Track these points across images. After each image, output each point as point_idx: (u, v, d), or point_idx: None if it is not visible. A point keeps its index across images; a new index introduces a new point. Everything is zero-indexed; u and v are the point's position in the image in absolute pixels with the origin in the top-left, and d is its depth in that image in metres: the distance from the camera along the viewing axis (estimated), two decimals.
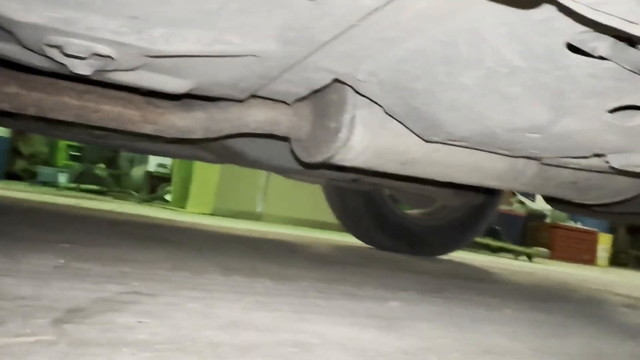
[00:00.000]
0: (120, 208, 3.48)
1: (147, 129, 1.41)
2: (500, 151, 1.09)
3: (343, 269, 1.74)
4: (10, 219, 1.74)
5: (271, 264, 1.53)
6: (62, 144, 7.14)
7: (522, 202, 7.59)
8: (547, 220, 7.73)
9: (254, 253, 1.80)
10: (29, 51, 0.94)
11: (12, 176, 6.41)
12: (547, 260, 5.85)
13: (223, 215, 4.85)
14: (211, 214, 4.90)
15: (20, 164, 6.61)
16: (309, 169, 1.98)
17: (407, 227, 2.92)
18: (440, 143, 1.16)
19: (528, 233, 7.33)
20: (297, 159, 1.48)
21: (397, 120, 1.11)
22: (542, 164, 1.32)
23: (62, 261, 1.04)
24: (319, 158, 1.30)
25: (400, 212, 3.00)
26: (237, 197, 5.13)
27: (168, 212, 4.27)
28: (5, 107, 1.31)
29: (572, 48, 0.65)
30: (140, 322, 0.69)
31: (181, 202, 5.33)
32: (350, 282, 1.42)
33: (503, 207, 6.80)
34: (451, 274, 2.17)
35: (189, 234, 2.24)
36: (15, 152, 6.55)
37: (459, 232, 2.91)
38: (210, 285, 1.05)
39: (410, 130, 1.12)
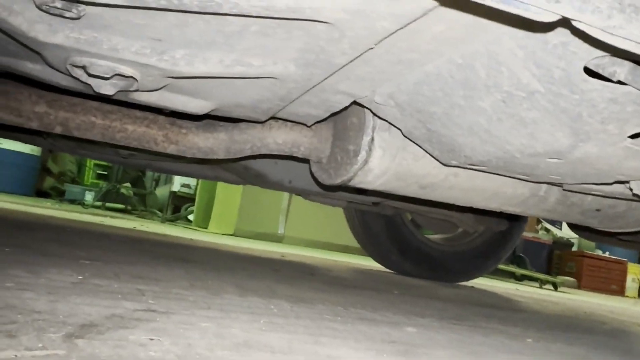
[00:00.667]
0: (143, 227, 3.52)
1: (170, 149, 1.44)
2: (521, 176, 1.07)
3: (361, 292, 1.72)
4: (36, 235, 1.78)
5: (289, 286, 1.53)
6: (90, 163, 7.28)
7: (547, 230, 7.45)
8: (574, 249, 7.56)
9: (273, 274, 1.80)
10: (55, 71, 0.97)
11: (41, 193, 6.55)
12: (573, 290, 5.70)
13: (244, 237, 4.87)
14: (233, 235, 4.91)
15: (49, 182, 6.76)
16: (329, 191, 1.99)
17: (429, 252, 2.89)
18: (460, 167, 1.15)
19: (554, 261, 7.18)
20: (316, 181, 1.48)
21: (416, 144, 1.11)
22: (565, 190, 1.30)
23: (81, 277, 1.05)
24: (338, 180, 1.30)
25: (422, 236, 2.97)
26: (258, 218, 5.14)
27: (190, 231, 4.30)
28: (34, 125, 1.34)
29: (591, 72, 0.64)
30: (152, 339, 0.69)
31: (204, 222, 5.37)
32: (368, 306, 1.40)
33: (528, 234, 6.68)
34: (472, 301, 2.13)
35: (208, 253, 2.25)
36: (45, 170, 6.70)
37: (481, 259, 2.86)
38: (226, 305, 1.05)
39: (430, 154, 1.12)
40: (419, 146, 1.11)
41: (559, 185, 1.21)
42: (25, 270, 1.02)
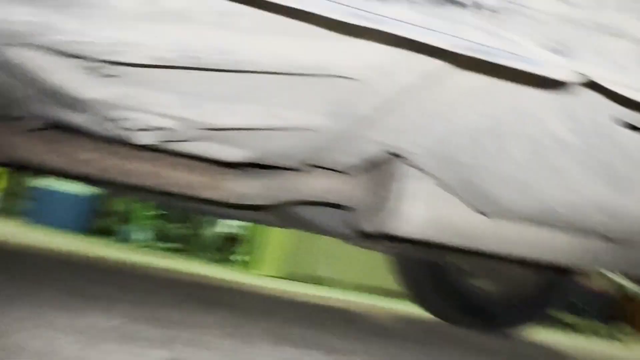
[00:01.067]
0: (191, 268, 3.57)
1: (212, 195, 1.47)
2: (566, 228, 1.03)
3: (402, 344, 1.67)
4: (81, 276, 1.83)
5: (326, 334, 1.50)
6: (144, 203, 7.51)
7: (607, 277, 7.08)
8: (637, 298, 7.12)
9: (311, 321, 1.78)
10: (99, 123, 1.02)
11: (97, 232, 6.79)
12: (637, 342, 5.35)
13: (291, 279, 4.86)
14: (279, 277, 4.92)
15: (104, 221, 7.01)
16: (367, 238, 1.97)
17: (475, 299, 2.79)
18: (501, 218, 1.12)
19: (615, 311, 6.77)
20: (354, 227, 1.48)
21: (452, 193, 1.09)
22: (616, 242, 1.24)
23: (117, 321, 1.07)
24: (374, 228, 1.29)
25: (468, 283, 2.87)
26: (304, 260, 5.14)
27: (237, 273, 4.33)
28: (86, 171, 1.41)
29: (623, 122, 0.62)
30: None
31: (252, 263, 5.41)
32: None
33: (585, 282, 6.36)
34: (522, 355, 2.03)
35: (249, 297, 2.25)
36: (103, 210, 6.96)
37: (531, 308, 2.74)
38: (257, 355, 1.04)
39: (464, 203, 1.10)
40: (455, 196, 1.09)
41: (608, 237, 1.16)
42: (63, 310, 1.04)
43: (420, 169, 1.07)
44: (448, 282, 2.81)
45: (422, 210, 1.18)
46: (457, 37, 0.42)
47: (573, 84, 0.55)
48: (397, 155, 1.12)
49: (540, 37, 0.42)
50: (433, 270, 2.83)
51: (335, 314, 2.28)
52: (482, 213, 1.07)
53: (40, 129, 1.26)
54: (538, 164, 0.78)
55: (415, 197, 1.16)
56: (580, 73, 0.45)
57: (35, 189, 6.37)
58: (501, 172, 0.86)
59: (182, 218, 7.22)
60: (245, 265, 5.57)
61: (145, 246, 6.01)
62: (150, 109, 0.82)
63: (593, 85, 0.50)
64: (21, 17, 0.57)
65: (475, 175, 0.92)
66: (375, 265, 4.93)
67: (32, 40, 0.61)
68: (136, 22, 0.56)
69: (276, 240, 5.19)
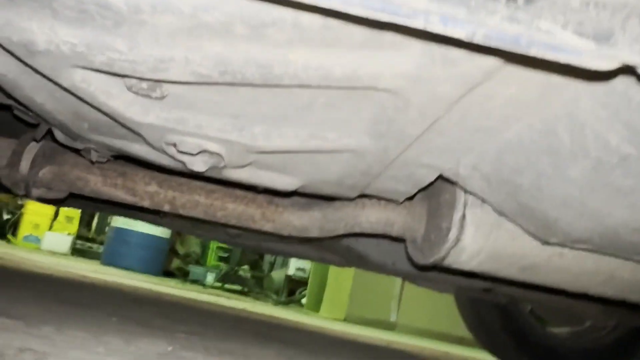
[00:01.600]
0: (254, 308, 3.58)
1: (267, 227, 1.48)
2: (632, 255, 0.95)
3: None
4: (144, 308, 1.87)
5: None
6: (213, 245, 7.70)
7: None
8: None
9: None
10: (157, 151, 1.05)
11: (168, 273, 7.00)
12: None
13: (355, 322, 4.76)
14: (344, 320, 4.83)
15: (175, 263, 7.22)
16: (427, 272, 1.90)
17: (551, 347, 2.60)
18: (563, 246, 1.04)
19: None
20: (412, 261, 1.43)
21: (510, 220, 1.04)
22: None
23: (170, 348, 1.08)
24: (431, 260, 1.24)
25: (543, 329, 2.69)
26: (370, 304, 5.03)
27: (300, 315, 4.30)
28: (146, 204, 1.46)
29: None
30: None
31: (315, 306, 5.36)
32: None
33: None
34: None
35: (307, 336, 2.21)
36: (173, 252, 7.19)
37: (614, 358, 2.52)
38: None
39: (525, 231, 1.03)
40: (513, 222, 1.04)
41: None
42: (120, 338, 1.06)
43: (477, 195, 1.03)
44: (521, 329, 2.65)
45: (483, 241, 1.12)
46: (487, 27, 0.40)
47: (615, 74, 0.51)
48: (452, 182, 1.09)
49: (576, 24, 0.40)
50: (504, 315, 2.68)
51: (398, 357, 2.20)
52: (542, 240, 1.00)
53: (102, 162, 1.33)
54: (599, 182, 0.73)
55: (475, 226, 1.11)
56: (622, 62, 0.41)
57: (108, 229, 6.67)
58: (559, 193, 0.80)
59: (249, 261, 7.31)
60: (309, 308, 5.52)
61: (213, 287, 6.10)
62: (199, 132, 0.84)
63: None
64: (74, 39, 0.60)
65: (533, 198, 0.87)
66: (444, 311, 4.74)
67: (88, 62, 0.64)
68: (177, 39, 0.58)
69: (341, 284, 5.12)
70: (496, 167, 0.86)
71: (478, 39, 0.41)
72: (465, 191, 1.08)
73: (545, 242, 1.02)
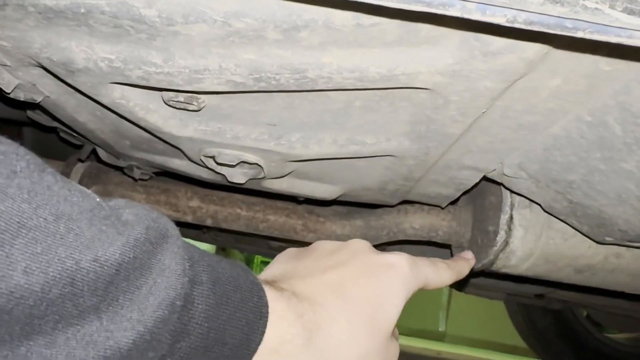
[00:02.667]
0: None
1: (309, 238, 1.47)
2: None
3: None
4: None
5: None
6: (257, 260, 7.74)
7: None
8: None
9: None
10: (197, 165, 1.06)
11: None
12: None
13: (403, 334, 4.68)
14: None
15: None
16: (471, 279, 1.85)
17: (611, 354, 2.49)
18: (620, 245, 0.99)
19: None
20: None
21: (561, 220, 0.99)
22: None
23: None
24: (479, 265, 1.21)
25: (601, 336, 2.58)
26: (417, 314, 4.94)
27: None
28: (189, 219, 1.47)
29: None
30: None
31: None
32: None
33: None
34: None
35: None
36: None
37: None
38: None
39: (579, 231, 0.99)
40: (565, 222, 0.99)
41: None
42: None
43: (525, 195, 0.99)
44: (577, 335, 2.55)
45: (533, 243, 1.08)
46: (528, 10, 0.38)
47: None
48: (498, 183, 1.05)
49: (626, 1, 0.37)
50: (558, 322, 2.58)
51: None
52: (598, 240, 0.95)
53: (144, 179, 1.35)
54: None
55: (524, 227, 1.07)
56: None
57: None
58: (614, 189, 0.76)
59: None
60: None
61: None
62: (237, 143, 0.84)
63: None
64: (111, 55, 0.61)
65: (585, 196, 0.83)
66: (495, 319, 4.61)
67: (125, 77, 0.65)
68: (210, 48, 0.58)
69: None
70: (543, 165, 0.82)
71: (520, 24, 0.39)
72: (512, 192, 1.05)
73: (601, 242, 0.98)
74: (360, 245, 0.53)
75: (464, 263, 0.60)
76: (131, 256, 0.35)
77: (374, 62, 0.57)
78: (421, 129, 0.75)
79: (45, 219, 0.32)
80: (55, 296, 0.32)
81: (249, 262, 7.71)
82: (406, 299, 0.51)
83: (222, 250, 7.17)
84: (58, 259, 0.32)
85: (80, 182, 1.40)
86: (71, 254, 0.33)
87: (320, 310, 0.46)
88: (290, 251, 0.55)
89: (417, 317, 4.92)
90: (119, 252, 0.35)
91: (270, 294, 0.44)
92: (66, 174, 1.41)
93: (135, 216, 0.38)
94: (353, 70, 0.58)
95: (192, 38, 0.57)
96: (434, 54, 0.56)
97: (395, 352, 0.51)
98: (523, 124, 0.72)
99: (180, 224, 1.66)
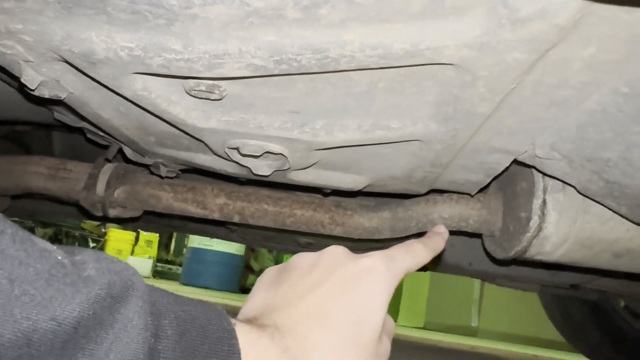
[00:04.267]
0: None
1: (337, 231, 1.45)
2: None
3: None
4: None
5: None
6: (286, 259, 7.76)
7: None
8: None
9: None
10: (221, 159, 1.06)
11: (245, 290, 7.12)
12: None
13: (435, 329, 4.63)
14: (423, 327, 4.71)
15: (251, 279, 7.33)
16: (503, 269, 1.81)
17: None
18: None
19: None
20: (490, 257, 1.36)
21: (598, 202, 0.96)
22: None
23: None
24: (512, 252, 1.17)
25: None
26: (449, 309, 4.88)
27: None
28: (216, 216, 1.47)
29: None
30: None
31: (393, 313, 5.26)
32: None
33: None
34: None
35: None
36: (248, 268, 7.31)
37: None
38: None
39: (617, 213, 0.95)
40: (602, 204, 0.96)
41: None
42: None
43: (558, 178, 0.96)
44: (616, 327, 2.47)
45: (568, 227, 1.05)
46: None
47: None
48: (529, 166, 1.02)
49: None
50: (595, 313, 2.51)
51: None
52: (637, 222, 0.91)
53: (171, 177, 1.35)
54: None
55: (558, 212, 1.04)
56: None
57: (186, 250, 6.88)
58: None
59: None
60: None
61: None
62: (261, 132, 0.83)
63: None
64: (131, 44, 0.60)
65: (623, 174, 0.79)
66: (529, 312, 4.52)
67: (145, 66, 0.64)
68: (229, 31, 0.57)
69: (418, 290, 5.01)
70: (578, 143, 0.79)
71: None
72: (544, 175, 1.01)
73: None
74: (336, 255, 0.52)
75: (438, 238, 0.60)
76: (90, 313, 0.36)
77: (398, 38, 0.55)
78: (448, 110, 0.73)
79: None
80: (11, 358, 0.32)
81: (278, 261, 7.74)
82: (389, 297, 0.51)
83: (251, 250, 7.22)
84: (13, 320, 0.33)
85: (109, 183, 1.41)
86: (27, 314, 0.33)
87: (304, 341, 0.46)
88: (270, 274, 0.55)
89: (448, 313, 4.86)
90: (78, 309, 0.35)
91: (252, 333, 0.45)
92: (94, 175, 1.42)
93: (97, 271, 0.38)
94: (376, 47, 0.56)
95: (210, 21, 0.56)
96: (460, 26, 0.54)
97: (385, 350, 0.52)
98: (555, 99, 0.69)
99: (208, 222, 1.67)
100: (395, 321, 5.03)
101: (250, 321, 0.47)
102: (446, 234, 0.63)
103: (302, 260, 0.53)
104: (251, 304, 0.52)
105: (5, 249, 0.35)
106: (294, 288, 0.50)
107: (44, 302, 0.34)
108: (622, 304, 2.49)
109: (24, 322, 0.33)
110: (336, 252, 0.52)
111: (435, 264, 1.98)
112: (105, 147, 1.43)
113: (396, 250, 0.54)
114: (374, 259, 0.51)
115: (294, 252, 2.57)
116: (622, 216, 0.95)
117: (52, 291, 0.35)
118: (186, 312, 0.43)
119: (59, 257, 0.38)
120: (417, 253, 0.56)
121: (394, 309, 5.29)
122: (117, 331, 0.37)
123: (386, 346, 0.53)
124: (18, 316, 0.33)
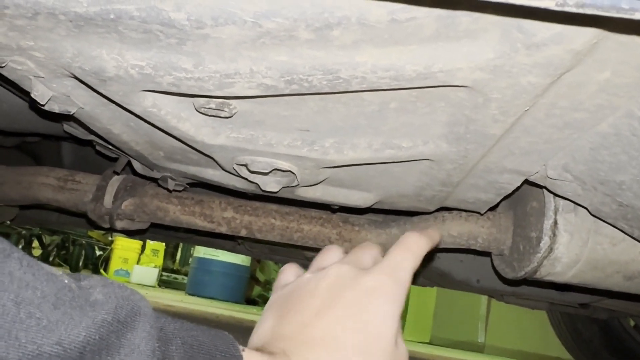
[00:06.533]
0: None
1: (344, 247, 1.44)
2: None
3: None
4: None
5: None
6: None
7: None
8: None
9: None
10: (230, 175, 1.05)
11: (250, 301, 7.09)
12: None
13: (441, 345, 4.58)
14: (429, 343, 4.67)
15: (257, 290, 7.31)
16: (517, 288, 1.79)
17: None
18: None
19: None
20: (499, 276, 1.34)
21: (610, 224, 0.94)
22: None
23: None
24: (522, 272, 1.16)
25: None
26: (456, 325, 4.83)
27: None
28: (223, 230, 1.46)
29: None
30: None
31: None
32: None
33: None
34: None
35: None
36: (254, 279, 7.29)
37: None
38: None
39: (629, 235, 0.94)
40: (614, 226, 0.94)
41: None
42: None
43: (571, 199, 0.95)
44: (626, 347, 2.44)
45: (579, 248, 1.03)
46: None
47: None
48: (540, 186, 1.01)
49: None
50: (605, 332, 2.48)
51: None
52: None
53: (179, 190, 1.35)
54: None
55: (570, 232, 1.02)
56: None
57: (192, 260, 6.87)
58: None
59: None
60: None
61: None
62: (270, 150, 0.83)
63: None
64: (142, 62, 0.60)
65: (637, 197, 0.78)
66: (536, 330, 4.47)
67: (156, 84, 0.64)
68: (241, 51, 0.57)
69: (424, 304, 4.97)
70: (591, 165, 0.78)
71: (570, 7, 0.36)
72: (556, 195, 1.00)
73: None
74: (340, 275, 0.51)
75: (431, 231, 0.59)
76: (97, 337, 0.35)
77: (411, 60, 0.55)
78: (460, 131, 0.72)
79: (3, 305, 0.32)
80: None
81: None
82: (401, 307, 0.50)
83: (257, 262, 7.20)
84: (19, 345, 0.32)
85: (117, 195, 1.41)
86: (32, 338, 0.33)
87: None
88: (275, 304, 0.54)
89: (455, 329, 4.81)
90: (84, 333, 0.35)
91: (261, 359, 0.44)
92: (102, 187, 1.42)
93: (105, 295, 0.38)
94: (388, 68, 0.56)
95: (222, 41, 0.55)
96: (473, 49, 0.53)
97: (403, 353, 0.51)
98: (569, 122, 0.68)
99: (215, 235, 1.66)
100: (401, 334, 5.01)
101: (258, 349, 0.46)
102: (438, 234, 0.62)
103: (306, 284, 0.52)
104: (258, 334, 0.52)
105: (13, 272, 0.34)
106: (300, 315, 0.49)
107: (49, 326, 0.34)
108: (632, 323, 2.45)
109: (28, 346, 0.33)
110: (340, 272, 0.51)
111: (442, 281, 1.96)
112: (114, 159, 1.43)
113: (395, 254, 0.53)
114: (379, 277, 0.50)
115: (301, 266, 2.56)
116: (634, 239, 0.94)
117: (59, 315, 0.34)
118: (193, 337, 0.42)
119: (66, 281, 0.37)
120: (416, 247, 0.54)
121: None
122: (124, 356, 0.36)
123: (402, 350, 0.52)
124: (23, 340, 0.33)
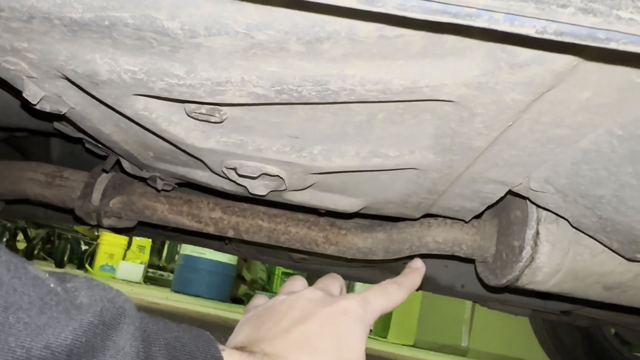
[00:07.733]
0: None
1: (330, 250, 1.45)
2: None
3: None
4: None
5: None
6: (278, 271, 7.75)
7: None
8: None
9: None
10: (219, 177, 1.06)
11: (236, 300, 7.09)
12: None
13: (425, 348, 4.62)
14: (413, 346, 4.70)
15: (242, 289, 7.30)
16: (495, 294, 1.81)
17: None
18: None
19: None
20: (482, 282, 1.36)
21: (590, 236, 0.96)
22: None
23: None
24: (504, 280, 1.18)
25: (631, 355, 2.50)
26: (440, 329, 4.87)
27: (368, 340, 4.22)
28: (211, 230, 1.47)
29: None
30: None
31: (382, 331, 5.25)
32: None
33: None
34: None
35: None
36: (240, 278, 7.28)
37: None
38: None
39: (608, 247, 0.96)
40: (594, 238, 0.97)
41: None
42: None
43: (552, 210, 0.97)
44: (606, 354, 2.47)
45: (560, 258, 1.05)
46: (559, 21, 0.37)
47: None
48: (523, 197, 1.03)
49: None
50: (586, 340, 2.52)
51: None
52: (628, 257, 0.92)
53: (167, 190, 1.35)
54: None
55: (551, 243, 1.05)
56: None
57: (178, 257, 6.85)
58: None
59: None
60: (376, 333, 5.41)
61: None
62: (259, 155, 0.84)
63: None
64: (134, 67, 0.61)
65: (616, 211, 0.80)
66: (519, 335, 4.51)
67: (148, 89, 0.65)
68: (232, 60, 0.58)
69: (409, 308, 5.00)
70: (572, 179, 0.80)
71: (550, 35, 0.37)
72: (538, 206, 1.02)
73: (632, 259, 0.95)
74: (315, 297, 0.55)
75: (414, 275, 0.63)
76: (83, 340, 0.36)
77: (398, 74, 0.56)
78: (445, 142, 0.74)
79: None
80: None
81: (270, 274, 7.74)
82: (366, 335, 0.55)
83: (244, 261, 7.19)
84: (8, 349, 0.33)
85: (105, 193, 1.41)
86: (21, 343, 0.34)
87: None
88: (251, 316, 0.57)
89: (439, 332, 4.85)
90: (71, 337, 0.36)
91: (241, 358, 0.47)
92: (90, 184, 1.42)
93: (89, 298, 0.39)
94: (376, 82, 0.57)
95: (214, 50, 0.56)
96: (459, 66, 0.55)
97: None
98: (551, 137, 0.70)
99: (203, 234, 1.67)
100: (385, 338, 5.01)
101: (238, 348, 0.48)
102: (423, 269, 0.66)
103: (282, 302, 0.56)
104: (238, 338, 0.54)
105: (1, 277, 0.35)
106: (278, 325, 0.53)
107: (37, 330, 0.35)
108: (613, 331, 2.49)
109: (17, 351, 0.33)
110: (315, 295, 0.56)
111: (427, 286, 1.98)
112: (104, 157, 1.43)
113: (372, 292, 0.57)
114: (350, 301, 0.54)
115: (287, 267, 2.58)
116: (613, 251, 0.96)
117: (46, 319, 0.35)
118: (176, 338, 0.43)
119: (52, 285, 0.38)
120: (393, 295, 0.58)
121: (384, 325, 5.28)
122: (109, 358, 0.37)
123: None
124: (12, 344, 0.33)
